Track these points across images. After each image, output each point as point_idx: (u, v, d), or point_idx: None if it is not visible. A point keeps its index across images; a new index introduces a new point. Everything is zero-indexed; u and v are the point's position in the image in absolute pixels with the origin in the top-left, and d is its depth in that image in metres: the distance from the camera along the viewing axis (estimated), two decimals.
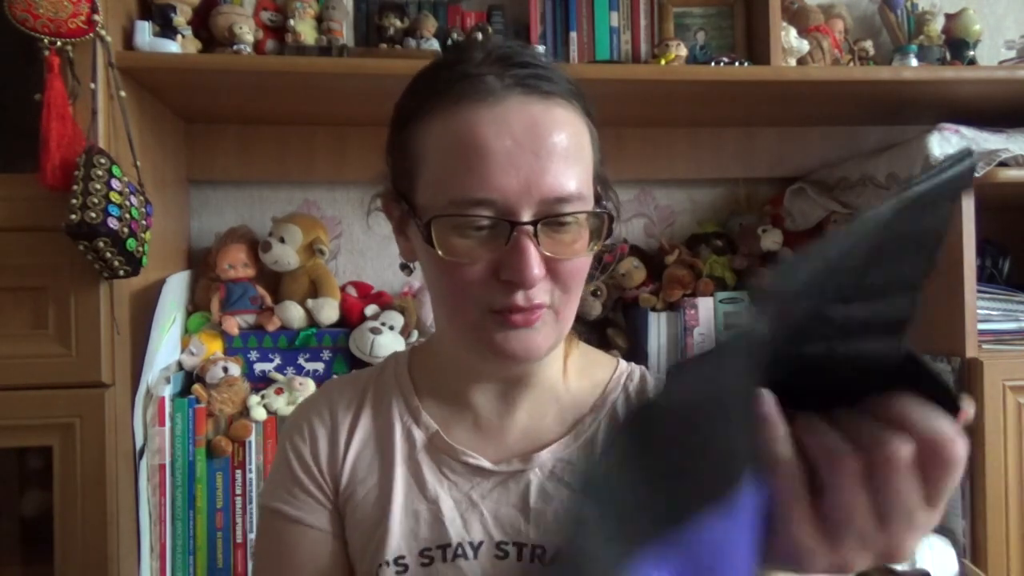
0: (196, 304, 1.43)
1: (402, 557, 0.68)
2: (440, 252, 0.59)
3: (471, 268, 0.59)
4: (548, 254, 0.59)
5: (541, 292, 0.60)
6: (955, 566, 1.21)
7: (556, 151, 0.58)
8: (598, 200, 0.64)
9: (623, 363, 0.78)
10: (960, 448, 0.36)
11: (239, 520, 1.28)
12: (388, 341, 1.37)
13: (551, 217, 0.58)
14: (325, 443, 0.73)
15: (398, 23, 1.42)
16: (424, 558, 0.68)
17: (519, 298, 0.59)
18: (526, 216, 0.57)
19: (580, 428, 0.72)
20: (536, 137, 0.57)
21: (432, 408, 0.73)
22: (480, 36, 1.40)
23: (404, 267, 0.72)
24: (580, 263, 0.62)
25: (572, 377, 0.74)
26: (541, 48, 1.40)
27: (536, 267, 0.57)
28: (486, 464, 0.70)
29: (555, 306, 0.62)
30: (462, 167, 0.57)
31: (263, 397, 1.34)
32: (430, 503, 0.69)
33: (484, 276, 0.59)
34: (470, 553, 0.68)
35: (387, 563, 0.68)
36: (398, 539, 0.68)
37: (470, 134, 0.57)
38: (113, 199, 1.03)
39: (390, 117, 0.67)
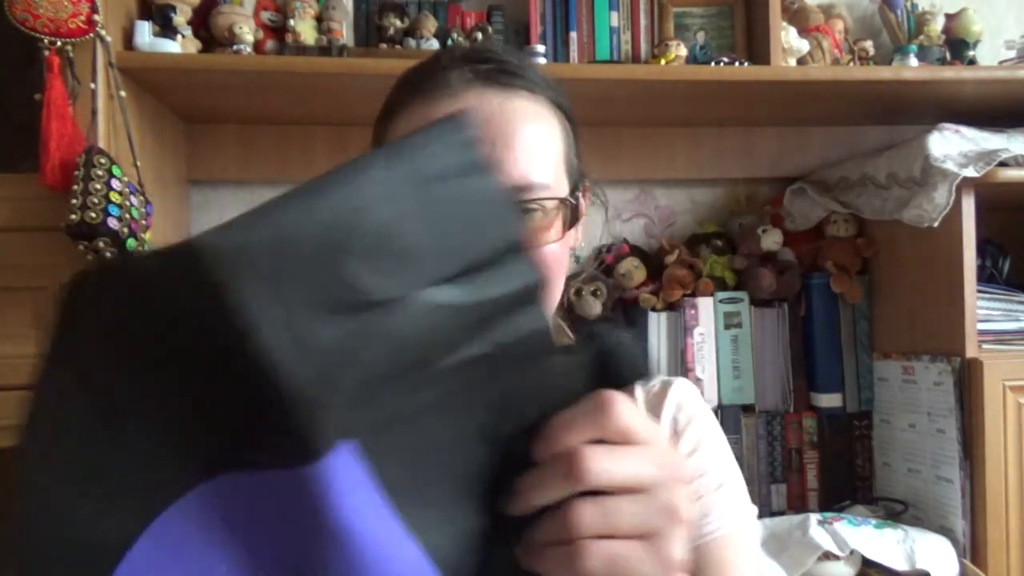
0: None
1: None
2: None
3: None
4: None
5: None
6: (955, 566, 1.21)
7: (515, 141, 0.59)
8: (572, 192, 0.64)
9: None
10: (583, 459, 0.32)
11: None
12: None
13: None
14: None
15: (398, 23, 1.42)
16: None
17: None
18: None
19: None
20: (492, 127, 0.59)
21: None
22: (480, 35, 1.40)
23: None
24: (551, 251, 0.61)
25: None
26: (541, 48, 1.39)
27: None
28: None
29: None
30: None
31: None
32: None
33: None
34: None
35: None
36: None
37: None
38: (113, 199, 1.03)
39: None
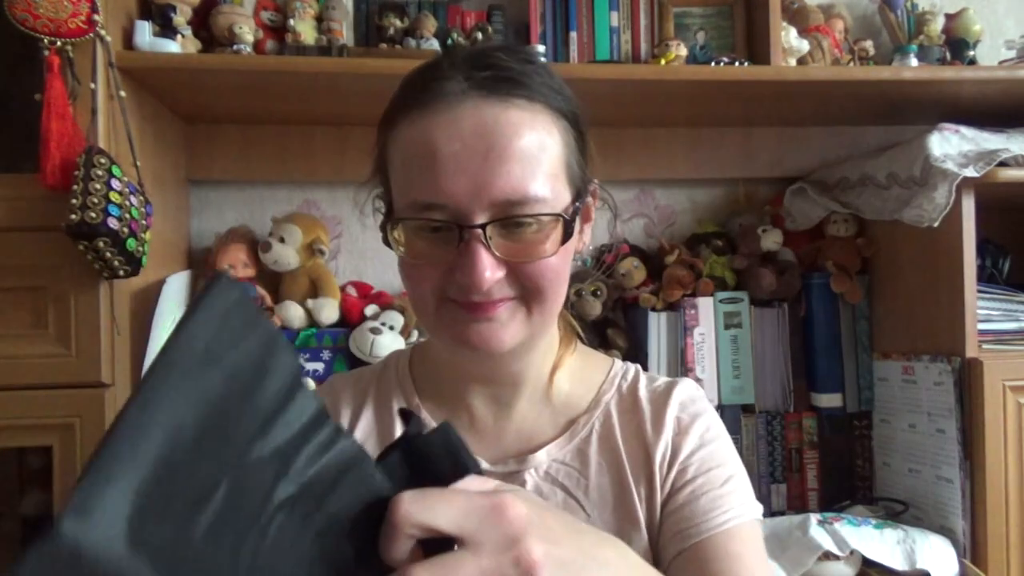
0: None
1: None
2: (399, 251, 0.61)
3: (429, 268, 0.60)
4: (504, 257, 0.59)
5: (500, 289, 0.60)
6: (955, 566, 1.21)
7: (509, 153, 0.57)
8: (575, 200, 0.63)
9: (618, 363, 0.78)
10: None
11: None
12: (388, 341, 1.37)
13: (502, 220, 0.58)
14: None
15: (398, 23, 1.42)
16: None
17: (474, 296, 0.59)
18: (479, 219, 0.57)
19: (574, 429, 0.72)
20: (486, 139, 0.57)
21: (431, 408, 0.74)
22: (480, 35, 1.40)
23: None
24: (548, 264, 0.60)
25: (566, 379, 0.74)
26: (541, 48, 1.39)
27: (486, 270, 0.57)
28: (483, 464, 0.70)
29: (525, 303, 0.62)
30: (416, 172, 0.59)
31: None
32: None
33: (442, 274, 0.60)
34: None
35: None
36: None
37: (424, 139, 0.58)
38: (113, 199, 1.03)
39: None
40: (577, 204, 0.63)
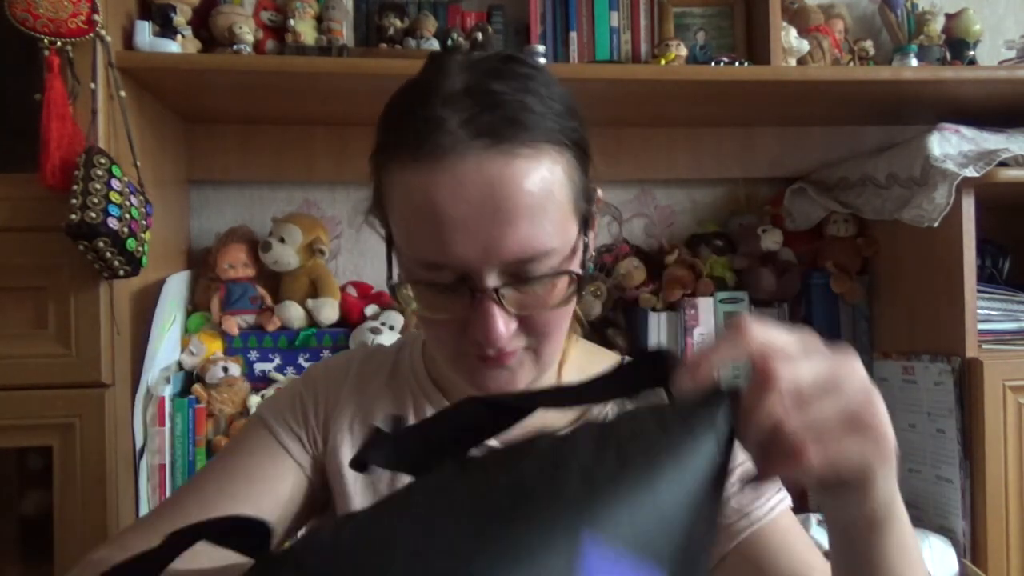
0: (196, 304, 1.43)
1: None
2: (411, 307, 0.60)
3: (442, 321, 0.60)
4: (516, 311, 0.58)
5: (513, 341, 0.59)
6: (955, 566, 1.21)
7: (518, 211, 0.55)
8: (582, 229, 0.62)
9: (627, 359, 0.78)
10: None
11: None
12: (388, 341, 1.37)
13: (514, 280, 0.57)
14: (330, 401, 0.74)
15: (398, 23, 1.42)
16: None
17: (488, 351, 0.59)
18: (490, 279, 0.56)
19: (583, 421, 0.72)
20: (493, 200, 0.54)
21: (442, 390, 0.74)
22: (480, 35, 1.39)
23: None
24: (556, 312, 0.60)
25: (575, 373, 0.74)
26: (541, 48, 1.39)
27: (501, 328, 0.57)
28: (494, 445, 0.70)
29: (534, 348, 0.62)
30: (421, 231, 0.56)
31: (263, 397, 1.34)
32: None
33: (455, 328, 0.59)
34: None
35: None
36: None
37: (425, 197, 0.55)
38: (113, 199, 1.03)
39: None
40: (585, 240, 0.62)
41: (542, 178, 0.56)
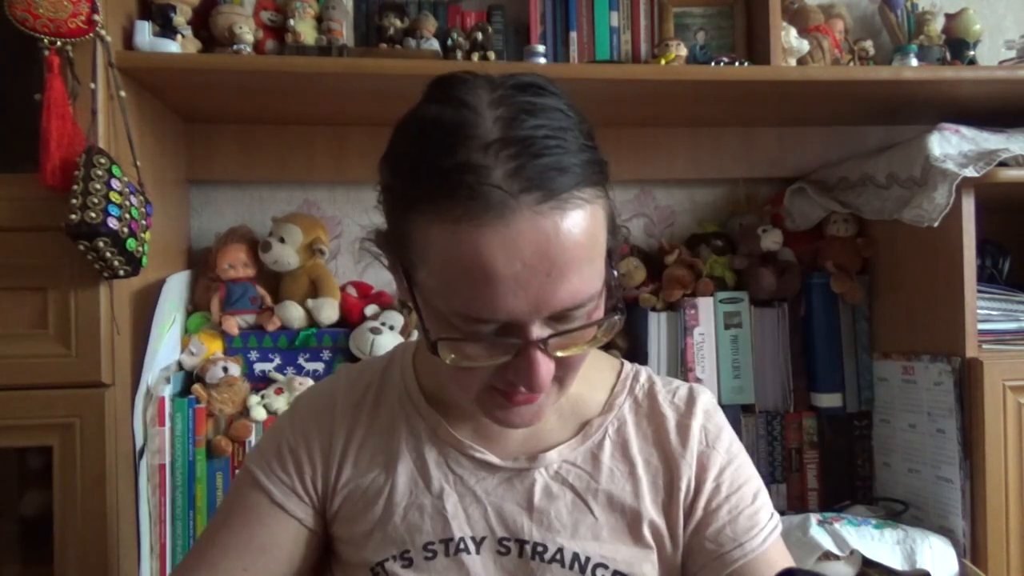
0: (196, 304, 1.43)
1: (407, 551, 0.68)
2: (448, 360, 0.57)
3: (478, 369, 0.59)
4: (557, 355, 0.58)
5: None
6: (955, 566, 1.21)
7: (571, 265, 0.54)
8: (610, 260, 0.62)
9: (627, 364, 0.78)
10: None
11: None
12: (388, 341, 1.37)
13: (557, 325, 0.56)
14: (323, 438, 0.73)
15: (398, 23, 1.42)
16: (427, 552, 0.68)
17: (521, 392, 0.59)
18: (536, 329, 0.55)
19: (587, 431, 0.73)
20: (549, 257, 0.52)
21: (436, 404, 0.73)
22: (480, 35, 1.39)
23: (404, 305, 0.72)
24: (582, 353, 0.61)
25: (576, 380, 0.74)
26: (541, 48, 1.39)
27: (544, 375, 0.57)
28: (493, 459, 0.71)
29: (560, 379, 0.62)
30: (467, 288, 0.53)
31: (263, 397, 1.34)
32: (434, 497, 0.70)
33: (486, 370, 0.59)
34: (472, 548, 0.68)
35: (393, 557, 0.68)
36: (402, 533, 0.69)
37: (476, 257, 0.52)
38: (113, 199, 1.03)
39: (387, 138, 0.61)
40: (614, 273, 0.62)
41: (590, 226, 0.55)
